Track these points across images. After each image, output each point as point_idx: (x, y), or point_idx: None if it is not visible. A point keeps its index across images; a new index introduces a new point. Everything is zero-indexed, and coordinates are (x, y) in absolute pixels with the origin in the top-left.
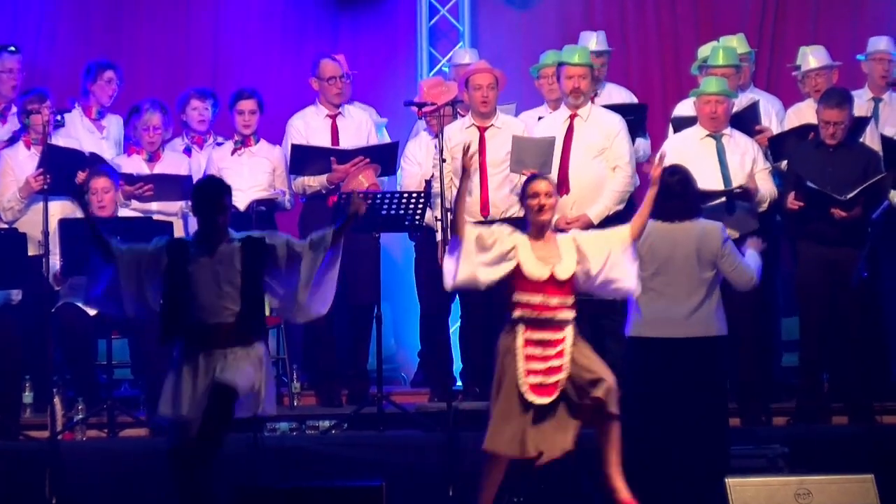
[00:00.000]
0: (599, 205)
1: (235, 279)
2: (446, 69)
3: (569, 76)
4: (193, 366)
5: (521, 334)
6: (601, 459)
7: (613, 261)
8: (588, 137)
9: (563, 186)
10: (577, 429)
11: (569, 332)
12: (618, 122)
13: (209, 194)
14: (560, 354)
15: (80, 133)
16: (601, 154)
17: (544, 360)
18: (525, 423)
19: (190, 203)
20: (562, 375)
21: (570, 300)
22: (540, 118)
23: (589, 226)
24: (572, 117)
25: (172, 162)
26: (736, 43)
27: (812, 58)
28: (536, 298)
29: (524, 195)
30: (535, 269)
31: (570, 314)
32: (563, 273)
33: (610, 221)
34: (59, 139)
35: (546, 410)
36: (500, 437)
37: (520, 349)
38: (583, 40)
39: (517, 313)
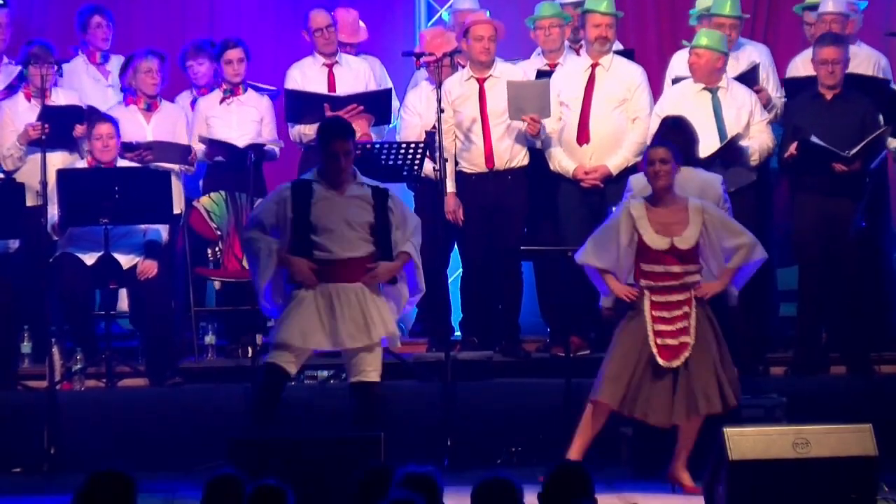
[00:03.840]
0: (619, 156)
1: (367, 220)
2: (446, 17)
3: (595, 24)
4: (319, 298)
5: (648, 298)
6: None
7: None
8: (609, 88)
9: (583, 136)
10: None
11: (693, 298)
12: (639, 74)
13: (332, 134)
14: (685, 316)
15: (83, 82)
16: (622, 105)
17: (672, 321)
18: (638, 385)
19: (188, 165)
20: (688, 338)
21: (694, 267)
22: (539, 70)
23: (607, 176)
24: (594, 66)
25: (170, 113)
26: None
27: (832, 1)
28: (658, 268)
29: (644, 160)
30: (655, 240)
31: (694, 277)
32: (683, 244)
33: (628, 172)
34: (62, 89)
35: (663, 376)
36: (610, 391)
37: (647, 311)
38: None
39: (642, 282)
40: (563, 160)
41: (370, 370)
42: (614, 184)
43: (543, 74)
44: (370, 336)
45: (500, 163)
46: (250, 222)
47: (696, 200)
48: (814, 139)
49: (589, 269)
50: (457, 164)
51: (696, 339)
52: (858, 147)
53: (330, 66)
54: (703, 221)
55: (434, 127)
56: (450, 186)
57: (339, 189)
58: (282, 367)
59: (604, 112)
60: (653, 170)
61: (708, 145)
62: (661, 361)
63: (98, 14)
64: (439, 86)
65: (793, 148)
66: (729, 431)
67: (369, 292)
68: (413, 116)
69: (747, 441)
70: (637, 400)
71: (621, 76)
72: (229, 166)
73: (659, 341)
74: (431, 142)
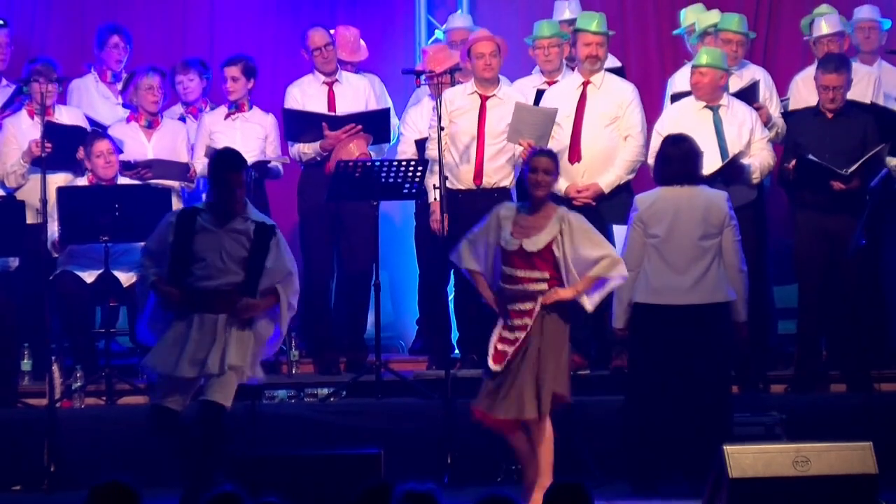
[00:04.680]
0: (611, 174)
1: (241, 255)
2: (442, 36)
3: (586, 43)
4: (189, 327)
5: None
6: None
7: (578, 263)
8: (600, 106)
9: (574, 155)
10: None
11: (538, 307)
12: (630, 92)
13: (226, 166)
14: (524, 327)
15: (94, 99)
16: (613, 123)
17: (513, 329)
18: (495, 387)
19: (188, 182)
20: (514, 348)
21: (540, 274)
22: (537, 90)
23: (600, 194)
24: (585, 84)
25: (171, 129)
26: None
27: (825, 23)
28: (507, 270)
29: (527, 166)
30: (508, 241)
31: (539, 286)
32: (531, 245)
33: (620, 191)
34: (66, 107)
35: (505, 377)
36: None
37: (500, 318)
38: (557, 10)
39: (500, 285)
40: None
41: (216, 391)
42: (607, 201)
43: (541, 93)
44: (218, 366)
45: (488, 181)
46: (143, 249)
47: (566, 210)
48: (811, 157)
49: (465, 272)
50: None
51: (527, 346)
52: (856, 165)
53: (330, 85)
54: (560, 229)
55: (428, 138)
56: (437, 196)
57: (223, 221)
58: (168, 408)
59: (595, 130)
60: (535, 178)
61: (710, 163)
62: (491, 365)
63: (117, 34)
64: (436, 102)
65: (792, 165)
66: (729, 449)
67: (230, 324)
68: (413, 132)
69: (747, 459)
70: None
71: (613, 94)
72: None
73: (499, 346)
74: (420, 149)
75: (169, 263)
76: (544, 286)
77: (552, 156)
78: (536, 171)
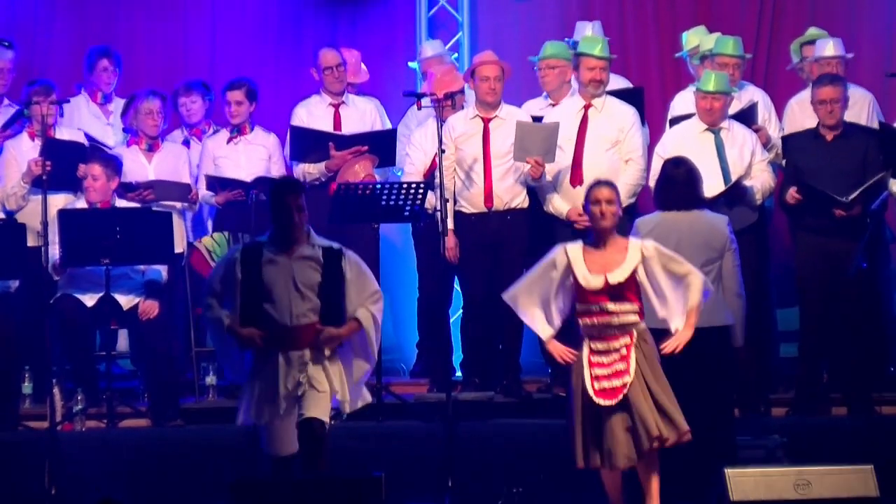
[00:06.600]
0: None
1: (314, 280)
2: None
3: (590, 67)
4: (274, 368)
5: (586, 346)
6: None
7: (670, 294)
8: (602, 129)
9: (576, 178)
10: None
11: (632, 337)
12: (631, 115)
13: (285, 190)
14: (625, 358)
15: (84, 119)
16: (614, 146)
17: (609, 365)
18: (596, 433)
19: (188, 203)
20: (627, 379)
21: (630, 306)
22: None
23: None
24: (587, 108)
25: (171, 152)
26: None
27: (832, 43)
28: (593, 307)
29: (587, 199)
30: (589, 280)
31: (631, 318)
32: (615, 278)
33: (623, 213)
34: (66, 128)
35: (612, 417)
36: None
37: (586, 360)
38: (579, 30)
39: (581, 323)
40: (556, 202)
41: (312, 407)
42: None
43: (537, 119)
44: (317, 388)
45: (500, 203)
46: (206, 289)
47: (638, 239)
48: (811, 184)
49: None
50: (455, 202)
51: (633, 376)
52: (856, 193)
53: (336, 106)
54: (641, 257)
55: (434, 163)
56: (449, 224)
57: (289, 251)
58: (287, 458)
59: (597, 153)
60: (598, 210)
61: (712, 185)
62: (599, 401)
63: (107, 58)
64: (440, 125)
65: (794, 191)
66: (730, 472)
67: (317, 359)
68: (418, 152)
69: (748, 482)
70: (601, 450)
71: (614, 117)
72: (237, 205)
73: (596, 385)
74: (431, 180)
75: (241, 301)
76: (635, 318)
77: (611, 185)
78: (598, 202)
